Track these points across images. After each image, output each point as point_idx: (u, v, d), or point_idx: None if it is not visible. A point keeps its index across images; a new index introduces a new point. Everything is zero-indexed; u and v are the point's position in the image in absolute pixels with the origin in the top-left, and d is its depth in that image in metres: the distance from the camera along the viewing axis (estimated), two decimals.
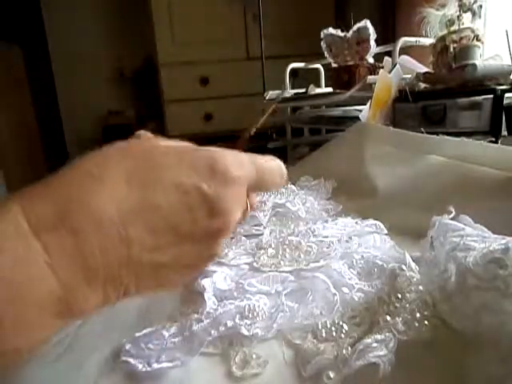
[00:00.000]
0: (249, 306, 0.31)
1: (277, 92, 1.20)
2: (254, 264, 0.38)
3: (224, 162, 0.21)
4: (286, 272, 0.36)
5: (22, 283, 0.15)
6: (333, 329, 0.29)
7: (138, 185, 0.19)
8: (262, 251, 0.40)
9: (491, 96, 0.60)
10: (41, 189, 0.18)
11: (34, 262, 0.16)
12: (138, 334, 0.29)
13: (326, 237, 0.41)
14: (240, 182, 0.22)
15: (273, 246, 0.41)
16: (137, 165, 0.19)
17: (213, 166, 0.20)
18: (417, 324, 0.27)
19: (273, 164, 0.26)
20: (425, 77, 0.73)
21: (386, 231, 0.44)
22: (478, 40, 0.70)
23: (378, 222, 0.44)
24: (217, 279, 0.35)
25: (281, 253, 0.40)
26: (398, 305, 0.29)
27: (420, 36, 0.82)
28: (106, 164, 0.19)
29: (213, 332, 0.28)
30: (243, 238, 0.45)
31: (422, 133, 0.57)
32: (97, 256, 0.17)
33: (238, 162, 0.22)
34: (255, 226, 0.48)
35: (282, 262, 0.38)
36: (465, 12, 0.71)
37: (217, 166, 0.20)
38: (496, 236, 0.30)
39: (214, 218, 0.20)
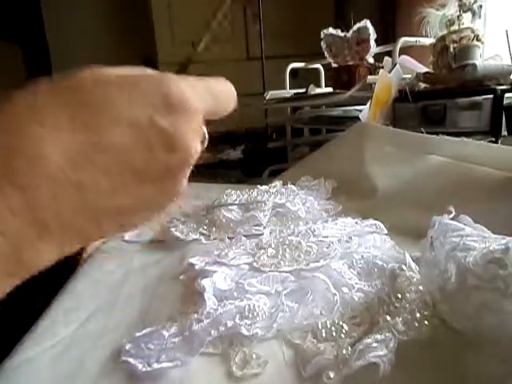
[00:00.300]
0: (249, 306, 0.31)
1: (277, 92, 1.20)
2: (254, 264, 0.38)
3: (179, 90, 0.19)
4: (286, 272, 0.36)
5: None
6: (333, 329, 0.29)
7: (84, 125, 0.17)
8: (262, 251, 0.40)
9: (491, 96, 0.60)
10: None
11: None
12: (138, 334, 0.29)
13: (326, 237, 0.41)
14: (197, 112, 0.20)
15: (273, 245, 0.41)
16: (80, 102, 0.18)
17: (167, 96, 0.19)
18: (417, 324, 0.27)
19: (225, 87, 0.24)
20: (425, 77, 0.73)
21: (385, 231, 0.44)
22: (478, 40, 0.70)
23: (377, 222, 0.44)
24: (217, 279, 0.35)
25: (281, 253, 0.40)
26: (397, 305, 0.29)
27: (420, 36, 0.82)
28: (42, 105, 0.17)
29: (213, 332, 0.28)
30: (243, 238, 0.45)
31: (422, 133, 0.58)
32: (46, 207, 0.16)
33: (193, 89, 0.20)
34: (255, 225, 0.48)
35: (282, 262, 0.38)
36: (465, 12, 0.71)
37: (172, 96, 0.19)
38: (496, 236, 0.30)
39: (173, 153, 0.19)
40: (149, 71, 0.21)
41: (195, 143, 0.20)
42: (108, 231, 0.20)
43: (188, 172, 0.21)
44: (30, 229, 0.16)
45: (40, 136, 0.16)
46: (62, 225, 0.17)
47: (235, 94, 0.25)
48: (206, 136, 0.23)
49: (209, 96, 0.22)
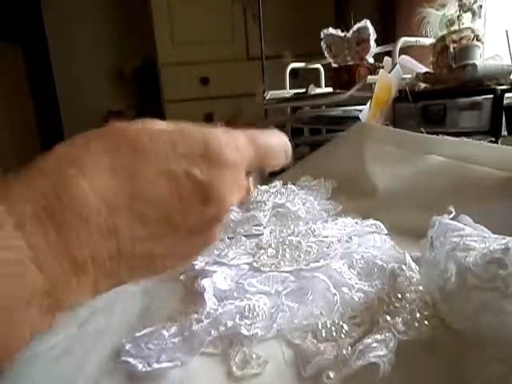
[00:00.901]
0: (249, 306, 0.31)
1: (277, 92, 1.20)
2: (254, 264, 0.38)
3: (218, 143, 0.20)
4: (286, 272, 0.36)
5: (6, 283, 0.15)
6: (333, 329, 0.29)
7: (124, 173, 0.18)
8: (262, 251, 0.40)
9: (491, 96, 0.60)
10: (21, 182, 0.17)
11: (18, 261, 0.15)
12: (138, 334, 0.29)
13: (326, 237, 0.41)
14: (236, 165, 0.20)
15: (273, 245, 0.41)
16: (121, 152, 0.18)
17: (206, 149, 0.19)
18: (417, 324, 0.27)
19: (275, 140, 0.24)
20: (425, 77, 0.73)
21: (385, 231, 0.44)
22: (478, 40, 0.70)
23: (378, 222, 0.44)
24: (217, 279, 0.35)
25: (281, 253, 0.40)
26: (397, 305, 0.29)
27: (420, 36, 0.82)
28: (86, 152, 0.18)
29: (213, 332, 0.28)
30: (243, 237, 0.45)
31: (422, 133, 0.58)
32: (84, 248, 0.17)
33: (234, 143, 0.20)
34: (255, 226, 0.48)
35: (281, 262, 0.38)
36: (465, 12, 0.71)
37: (210, 149, 0.19)
38: (496, 236, 0.30)
39: (208, 206, 0.19)
40: (192, 126, 0.21)
41: (231, 196, 0.20)
42: (139, 275, 0.20)
43: (221, 224, 0.21)
44: (66, 265, 0.17)
45: (77, 179, 0.17)
46: (97, 266, 0.17)
47: (289, 146, 0.25)
48: (252, 189, 0.24)
49: (252, 149, 0.22)
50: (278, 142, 0.24)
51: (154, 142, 0.19)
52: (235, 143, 0.21)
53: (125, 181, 0.18)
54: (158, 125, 0.20)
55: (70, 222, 0.16)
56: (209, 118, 2.11)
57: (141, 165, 0.18)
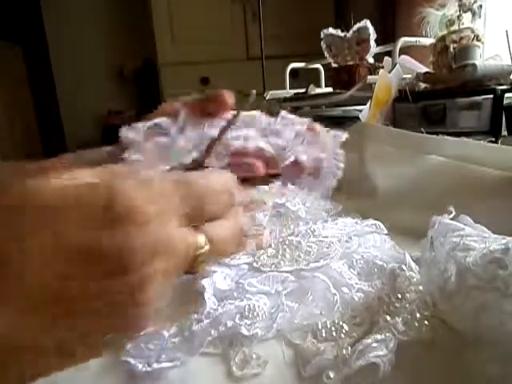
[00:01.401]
0: (249, 306, 0.31)
1: (277, 92, 1.20)
2: (254, 264, 0.38)
3: (126, 199, 0.16)
4: (286, 272, 0.36)
5: None
6: (333, 329, 0.29)
7: (4, 254, 0.14)
8: (262, 251, 0.40)
9: (491, 96, 0.60)
10: None
11: None
12: None
13: (326, 237, 0.41)
14: (157, 218, 0.16)
15: (273, 245, 0.41)
16: (4, 225, 0.15)
17: (111, 209, 0.15)
18: (417, 324, 0.27)
19: (214, 181, 0.19)
20: (425, 77, 0.73)
21: (385, 231, 0.44)
22: (478, 40, 0.70)
23: (378, 222, 0.44)
24: (217, 279, 0.35)
25: (281, 253, 0.40)
26: (397, 305, 0.29)
27: (420, 36, 0.82)
28: None
29: (213, 332, 0.28)
30: (243, 237, 0.45)
31: (422, 133, 0.57)
32: None
33: (152, 192, 0.17)
34: (255, 225, 0.48)
35: (281, 262, 0.38)
36: (465, 12, 0.71)
37: (116, 208, 0.16)
38: (496, 236, 0.30)
39: (119, 276, 0.16)
40: (99, 178, 0.17)
41: (152, 258, 0.16)
42: (50, 367, 0.17)
43: (154, 290, 0.17)
44: None
45: None
46: None
47: (234, 186, 0.21)
48: (201, 241, 0.19)
49: (181, 194, 0.18)
50: (217, 182, 0.20)
51: (43, 211, 0.15)
52: (154, 192, 0.17)
53: (7, 268, 0.14)
54: (54, 183, 0.16)
55: None
56: None
57: (28, 241, 0.15)
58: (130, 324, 0.17)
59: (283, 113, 0.31)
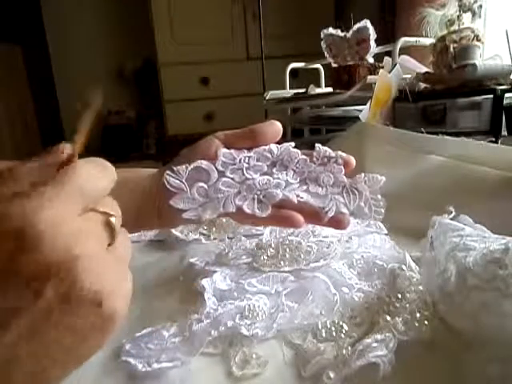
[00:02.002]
0: (249, 306, 0.31)
1: (277, 92, 1.20)
2: (254, 264, 0.38)
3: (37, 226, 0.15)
4: (286, 272, 0.36)
5: None
6: (333, 329, 0.29)
7: None
8: (262, 251, 0.40)
9: (491, 96, 0.60)
10: None
11: None
12: (138, 334, 0.29)
13: (326, 237, 0.41)
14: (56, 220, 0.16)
15: (273, 245, 0.41)
16: None
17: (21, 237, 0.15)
18: (417, 324, 0.27)
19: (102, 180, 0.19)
20: (425, 77, 0.73)
21: (385, 231, 0.44)
22: (478, 40, 0.70)
23: (378, 222, 0.44)
24: (217, 279, 0.35)
25: (281, 253, 0.40)
26: (398, 305, 0.29)
27: (420, 36, 0.82)
28: None
29: (213, 332, 0.28)
30: (243, 237, 0.45)
31: (422, 133, 0.57)
32: None
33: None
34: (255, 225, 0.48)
35: (281, 262, 0.38)
36: (465, 12, 0.71)
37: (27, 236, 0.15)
38: (496, 236, 0.30)
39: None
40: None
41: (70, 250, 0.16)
42: None
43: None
44: None
45: None
46: None
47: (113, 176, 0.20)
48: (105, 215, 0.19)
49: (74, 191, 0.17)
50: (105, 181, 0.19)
51: None
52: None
53: None
54: None
55: None
56: (208, 118, 2.11)
57: None
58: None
59: (317, 147, 0.32)
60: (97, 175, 0.19)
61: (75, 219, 0.17)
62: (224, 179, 0.30)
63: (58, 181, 0.17)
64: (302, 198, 0.30)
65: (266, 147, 0.31)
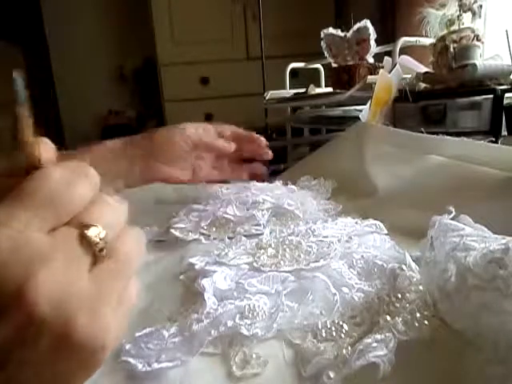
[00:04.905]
0: (249, 305, 0.31)
1: (277, 92, 1.20)
2: (254, 264, 0.38)
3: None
4: (286, 272, 0.36)
5: None
6: (333, 329, 0.29)
7: None
8: (262, 251, 0.40)
9: (491, 96, 0.60)
10: None
11: None
12: (138, 334, 0.29)
13: (326, 237, 0.41)
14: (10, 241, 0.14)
15: (273, 245, 0.41)
16: None
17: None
18: (417, 324, 0.27)
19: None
20: (425, 77, 0.73)
21: (385, 231, 0.44)
22: (478, 40, 0.70)
23: (377, 222, 0.44)
24: (217, 279, 0.35)
25: (281, 252, 0.40)
26: (398, 305, 0.29)
27: (420, 36, 0.82)
28: None
29: (213, 332, 0.28)
30: (243, 237, 0.45)
31: (422, 133, 0.57)
32: None
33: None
34: (255, 225, 0.48)
35: (282, 262, 0.38)
36: (465, 12, 0.71)
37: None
38: (496, 236, 0.30)
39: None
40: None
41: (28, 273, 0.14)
42: None
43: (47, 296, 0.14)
44: None
45: None
46: None
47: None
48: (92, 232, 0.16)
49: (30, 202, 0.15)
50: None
51: None
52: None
53: None
54: None
55: None
56: (208, 118, 2.11)
57: None
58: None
59: None
60: (73, 181, 0.16)
61: (40, 239, 0.14)
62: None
63: (21, 189, 0.15)
64: None
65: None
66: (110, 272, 0.16)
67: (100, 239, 0.16)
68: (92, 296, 0.15)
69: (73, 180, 0.16)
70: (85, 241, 0.15)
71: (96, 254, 0.16)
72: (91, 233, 0.16)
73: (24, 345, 0.14)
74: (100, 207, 0.17)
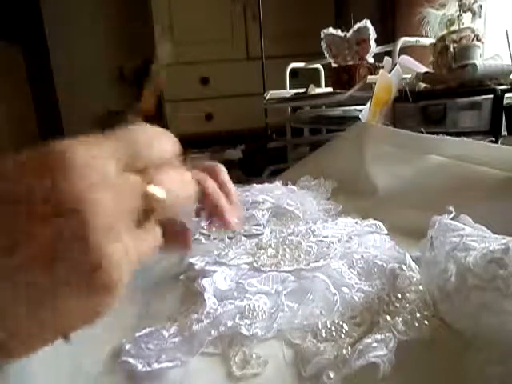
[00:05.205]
0: (249, 305, 0.31)
1: (277, 92, 1.20)
2: (254, 264, 0.38)
3: (58, 146, 0.15)
4: (286, 272, 0.36)
5: None
6: (333, 329, 0.29)
7: None
8: (262, 251, 0.40)
9: (491, 96, 0.60)
10: None
11: None
12: (138, 334, 0.29)
13: (326, 237, 0.41)
14: (91, 162, 0.15)
15: (273, 245, 0.41)
16: None
17: (47, 157, 0.15)
18: (417, 324, 0.27)
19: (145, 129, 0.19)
20: (425, 77, 0.73)
21: (385, 231, 0.44)
22: (478, 40, 0.70)
23: (377, 222, 0.44)
24: (217, 279, 0.35)
25: (281, 253, 0.40)
26: (398, 305, 0.29)
27: (420, 36, 0.82)
28: None
29: (213, 332, 0.28)
30: (243, 237, 0.45)
31: (422, 133, 0.57)
32: None
33: (87, 143, 0.16)
34: (255, 225, 0.48)
35: (281, 262, 0.38)
36: (465, 12, 0.71)
37: (51, 154, 0.15)
38: (496, 236, 0.30)
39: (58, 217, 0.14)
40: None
41: (89, 193, 0.14)
42: None
43: (100, 224, 0.15)
44: None
45: None
46: None
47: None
48: (154, 190, 0.17)
49: (119, 142, 0.17)
50: (148, 130, 0.19)
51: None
52: (85, 143, 0.16)
53: None
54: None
55: None
56: (208, 118, 2.11)
57: None
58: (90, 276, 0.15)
59: None
60: (156, 136, 0.18)
61: (110, 169, 0.16)
62: None
63: (119, 131, 0.17)
64: None
65: None
66: (149, 232, 0.17)
67: (157, 201, 0.17)
68: (129, 242, 0.16)
69: (159, 136, 0.18)
70: (145, 196, 0.17)
71: (148, 211, 0.17)
72: (153, 191, 0.17)
73: (57, 249, 0.14)
74: (171, 173, 0.18)
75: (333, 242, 0.40)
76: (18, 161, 0.16)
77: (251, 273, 0.37)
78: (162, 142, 0.19)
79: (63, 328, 0.16)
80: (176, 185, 0.18)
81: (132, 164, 0.17)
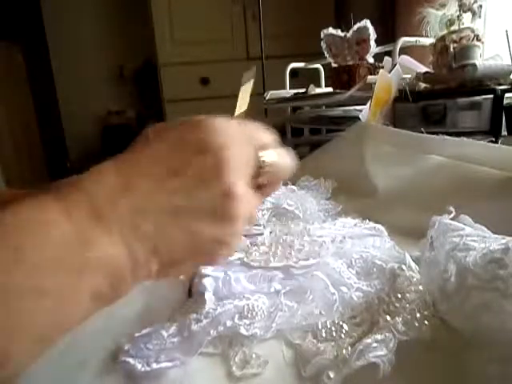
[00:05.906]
0: (248, 305, 0.31)
1: (277, 92, 1.20)
2: (245, 259, 0.38)
3: (212, 127, 0.21)
4: (275, 268, 0.36)
5: None
6: (333, 329, 0.29)
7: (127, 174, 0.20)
8: (255, 248, 0.40)
9: (491, 96, 0.60)
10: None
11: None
12: (137, 334, 0.29)
13: (321, 236, 0.41)
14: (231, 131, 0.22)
15: (266, 243, 0.41)
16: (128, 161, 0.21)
17: (200, 123, 0.22)
18: (417, 324, 0.27)
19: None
20: (425, 77, 0.73)
21: (386, 234, 0.43)
22: (478, 40, 0.70)
23: (378, 225, 0.44)
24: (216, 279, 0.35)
25: (273, 250, 0.39)
26: (398, 305, 0.29)
27: (420, 36, 0.82)
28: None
29: (212, 332, 0.28)
30: (243, 238, 0.45)
31: (422, 133, 0.57)
32: (104, 202, 0.19)
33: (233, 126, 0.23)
34: (255, 225, 0.48)
35: (271, 259, 0.38)
36: (465, 12, 0.71)
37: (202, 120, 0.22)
38: (496, 236, 0.30)
39: (203, 155, 0.20)
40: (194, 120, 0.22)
41: (227, 145, 0.21)
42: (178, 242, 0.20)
43: (232, 173, 0.21)
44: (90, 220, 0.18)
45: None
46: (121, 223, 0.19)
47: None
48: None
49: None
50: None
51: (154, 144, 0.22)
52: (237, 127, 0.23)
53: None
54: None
55: (89, 187, 0.19)
56: None
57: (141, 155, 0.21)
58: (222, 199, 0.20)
59: None
60: (261, 130, 0.25)
61: (241, 135, 0.22)
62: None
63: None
64: None
65: None
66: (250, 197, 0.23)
67: (270, 164, 0.24)
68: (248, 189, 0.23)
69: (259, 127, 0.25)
70: (261, 158, 0.24)
71: (260, 174, 0.24)
72: (268, 155, 0.24)
73: (198, 186, 0.20)
74: (277, 148, 0.25)
75: (325, 242, 0.39)
76: (183, 121, 0.22)
77: (240, 268, 0.37)
78: (264, 134, 0.25)
79: (199, 255, 0.22)
80: (283, 154, 0.25)
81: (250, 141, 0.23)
